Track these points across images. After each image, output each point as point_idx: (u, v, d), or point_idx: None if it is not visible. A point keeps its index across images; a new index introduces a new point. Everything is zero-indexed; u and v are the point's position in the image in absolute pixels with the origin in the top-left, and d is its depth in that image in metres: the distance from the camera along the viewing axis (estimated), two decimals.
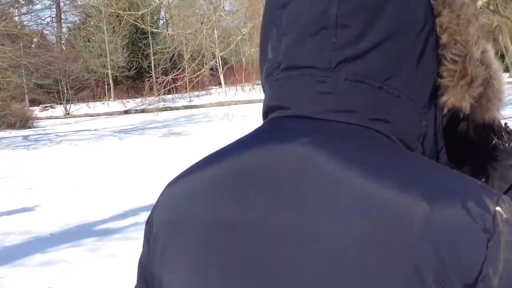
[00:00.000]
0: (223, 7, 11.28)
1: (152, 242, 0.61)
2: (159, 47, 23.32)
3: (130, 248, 4.72)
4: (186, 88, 15.67)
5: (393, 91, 0.54)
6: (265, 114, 0.60)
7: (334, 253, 0.48)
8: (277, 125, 0.57)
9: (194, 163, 0.61)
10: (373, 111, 0.54)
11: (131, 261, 1.94)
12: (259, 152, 0.55)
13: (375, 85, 0.53)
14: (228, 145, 0.59)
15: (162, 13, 29.40)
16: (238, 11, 14.70)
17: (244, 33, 10.21)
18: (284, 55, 0.56)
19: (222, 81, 26.97)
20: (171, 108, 23.27)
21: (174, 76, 10.87)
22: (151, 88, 20.43)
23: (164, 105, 19.34)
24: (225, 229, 0.54)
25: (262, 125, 0.59)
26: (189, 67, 12.70)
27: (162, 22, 31.52)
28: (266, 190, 0.52)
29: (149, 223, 0.63)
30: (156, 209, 0.62)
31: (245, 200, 0.53)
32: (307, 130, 0.54)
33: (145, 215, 3.26)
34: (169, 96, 23.75)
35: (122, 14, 12.19)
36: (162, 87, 10.89)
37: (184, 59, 12.72)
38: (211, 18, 10.35)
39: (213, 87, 28.35)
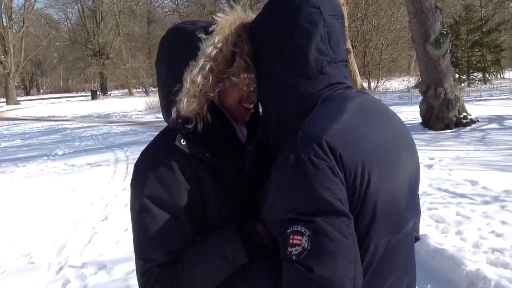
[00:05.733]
0: None
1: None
2: None
3: None
4: None
5: None
6: (322, 89, 1.13)
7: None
8: (347, 92, 1.15)
9: (328, 112, 1.09)
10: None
11: None
12: (363, 98, 1.17)
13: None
14: (340, 99, 1.12)
15: None
16: None
17: None
18: (335, 53, 1.13)
19: None
20: None
21: None
22: None
23: None
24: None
25: (337, 94, 1.14)
26: None
27: None
28: (380, 115, 1.17)
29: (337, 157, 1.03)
30: (338, 144, 1.04)
31: (380, 120, 1.15)
32: (359, 92, 1.19)
33: None
34: None
35: None
36: None
37: None
38: None
39: None
